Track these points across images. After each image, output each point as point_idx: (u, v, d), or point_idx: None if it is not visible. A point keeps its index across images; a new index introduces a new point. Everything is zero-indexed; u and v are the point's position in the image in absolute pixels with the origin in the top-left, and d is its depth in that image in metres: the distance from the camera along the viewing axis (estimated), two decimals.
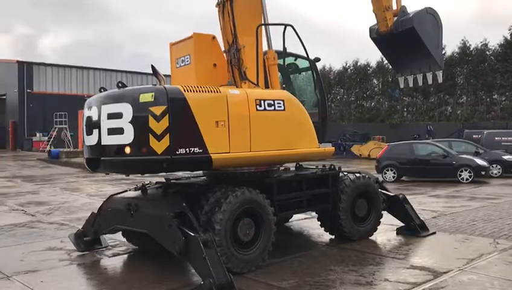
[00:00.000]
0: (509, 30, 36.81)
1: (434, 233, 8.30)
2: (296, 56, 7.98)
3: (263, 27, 7.08)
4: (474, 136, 24.18)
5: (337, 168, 7.84)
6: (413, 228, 8.16)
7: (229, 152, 6.02)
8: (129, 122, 5.65)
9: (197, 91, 5.87)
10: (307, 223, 9.26)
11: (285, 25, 6.99)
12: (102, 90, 6.34)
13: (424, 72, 8.83)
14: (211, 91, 6.03)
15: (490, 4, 76.02)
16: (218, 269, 5.19)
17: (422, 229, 8.21)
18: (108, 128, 5.89)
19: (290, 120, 6.72)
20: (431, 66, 8.72)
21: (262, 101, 6.39)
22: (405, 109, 44.16)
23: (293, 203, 7.16)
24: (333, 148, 7.68)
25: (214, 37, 6.96)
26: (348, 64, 46.42)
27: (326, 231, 7.92)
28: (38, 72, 42.95)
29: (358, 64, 45.69)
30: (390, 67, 28.77)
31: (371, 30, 8.69)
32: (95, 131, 6.05)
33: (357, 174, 7.96)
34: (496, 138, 22.40)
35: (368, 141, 33.50)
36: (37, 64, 43.49)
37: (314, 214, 8.30)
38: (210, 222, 5.80)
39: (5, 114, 44.59)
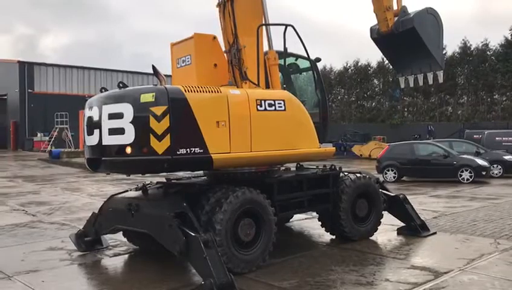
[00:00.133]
0: (510, 30, 36.89)
1: (435, 233, 8.30)
2: (297, 56, 8.00)
3: (264, 27, 7.08)
4: (474, 136, 24.15)
5: (337, 168, 7.84)
6: (414, 228, 8.17)
7: (229, 152, 6.03)
8: (130, 122, 5.65)
9: (197, 91, 5.88)
10: (307, 223, 9.26)
11: (286, 25, 6.99)
12: (103, 90, 6.35)
13: (424, 72, 8.83)
14: (212, 91, 6.03)
15: (490, 4, 76.11)
16: (219, 269, 5.19)
17: (423, 230, 8.21)
18: (109, 129, 5.89)
19: (291, 120, 6.72)
20: (432, 66, 8.72)
21: (263, 101, 6.40)
22: (406, 109, 44.14)
23: (293, 203, 7.15)
24: (334, 148, 7.68)
25: (214, 37, 6.97)
26: (348, 65, 46.58)
27: (327, 231, 7.92)
28: (39, 72, 43.00)
29: (359, 64, 45.76)
30: (391, 67, 28.95)
31: (372, 30, 8.70)
32: (96, 131, 6.06)
33: (358, 175, 7.95)
34: (497, 138, 22.37)
35: (369, 141, 33.46)
36: (37, 65, 43.55)
37: (314, 214, 8.30)
38: (211, 222, 5.80)
39: (6, 114, 44.66)
